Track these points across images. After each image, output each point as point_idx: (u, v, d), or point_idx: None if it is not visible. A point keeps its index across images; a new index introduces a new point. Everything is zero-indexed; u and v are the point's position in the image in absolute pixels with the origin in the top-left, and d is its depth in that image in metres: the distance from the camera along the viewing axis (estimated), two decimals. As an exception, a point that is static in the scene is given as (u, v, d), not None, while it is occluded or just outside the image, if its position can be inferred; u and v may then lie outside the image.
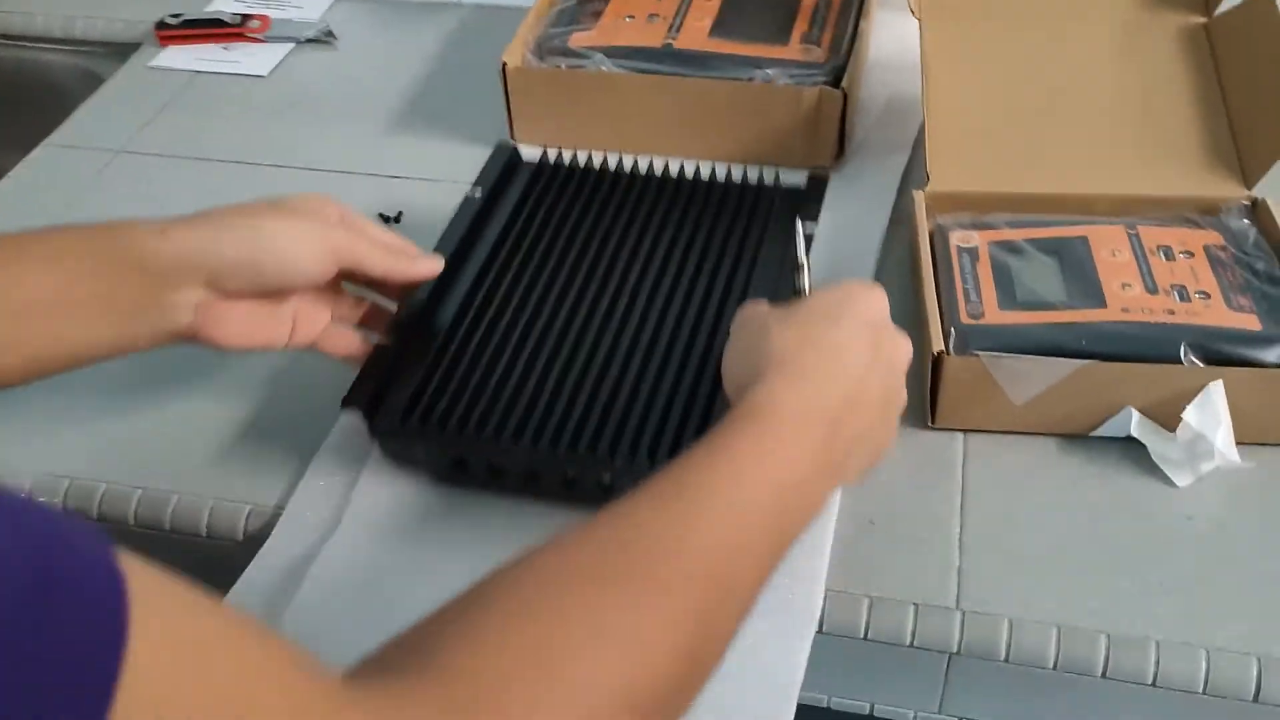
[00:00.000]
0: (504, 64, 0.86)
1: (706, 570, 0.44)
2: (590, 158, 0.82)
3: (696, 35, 0.89)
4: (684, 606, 0.43)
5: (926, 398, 0.66)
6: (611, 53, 0.87)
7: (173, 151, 0.95)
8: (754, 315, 0.57)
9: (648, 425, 0.62)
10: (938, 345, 0.64)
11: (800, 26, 0.89)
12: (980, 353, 0.64)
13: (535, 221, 0.77)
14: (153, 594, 0.31)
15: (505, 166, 0.81)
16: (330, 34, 1.06)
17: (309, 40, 1.06)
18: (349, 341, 0.66)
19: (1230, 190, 0.75)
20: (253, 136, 0.96)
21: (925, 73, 0.76)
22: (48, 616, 0.28)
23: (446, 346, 0.68)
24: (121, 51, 1.09)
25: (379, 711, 0.36)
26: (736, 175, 0.79)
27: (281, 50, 1.05)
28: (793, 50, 0.87)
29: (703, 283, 0.71)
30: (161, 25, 1.07)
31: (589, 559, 0.44)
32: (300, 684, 0.35)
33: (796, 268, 0.64)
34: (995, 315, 0.67)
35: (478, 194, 0.78)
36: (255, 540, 0.64)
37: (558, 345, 0.67)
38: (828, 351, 0.53)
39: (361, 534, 0.63)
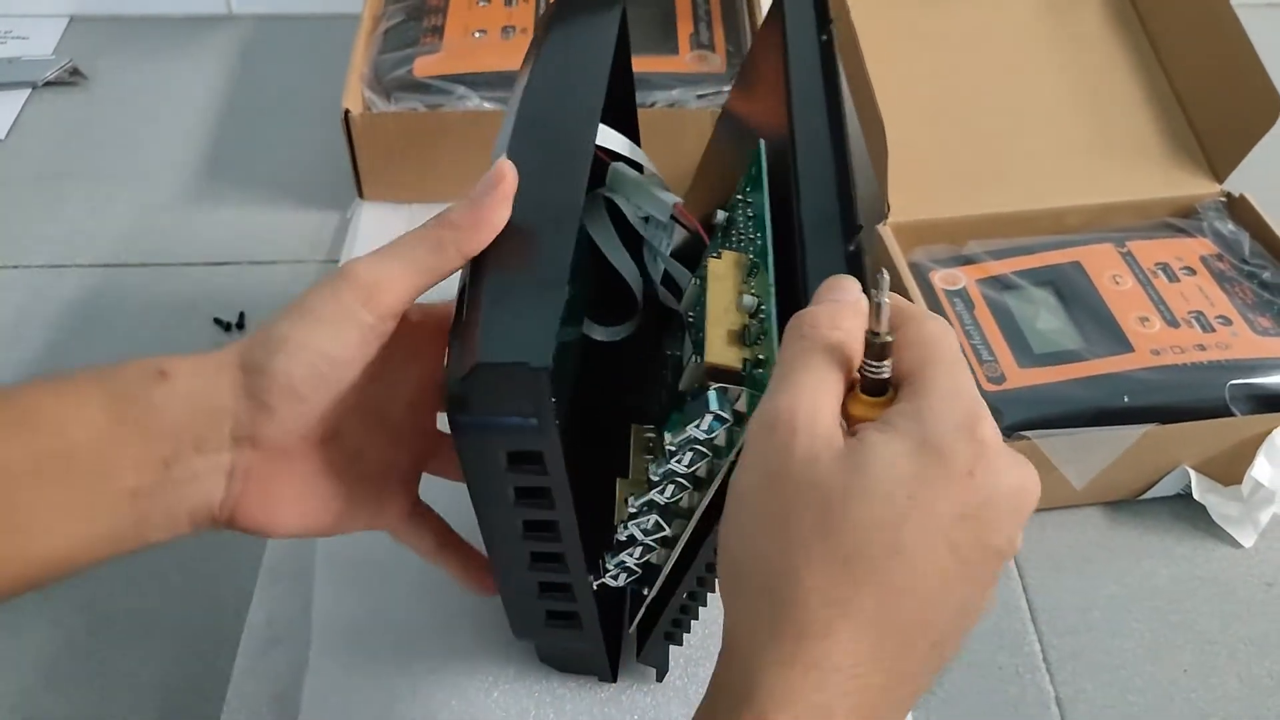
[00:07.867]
0: (346, 111, 0.68)
1: None
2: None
3: (569, 50, 0.74)
4: None
5: (965, 488, 0.57)
6: (473, 82, 0.71)
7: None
8: (798, 450, 0.29)
9: None
10: (981, 431, 0.54)
11: (685, 28, 0.76)
12: (1031, 435, 0.54)
13: None
14: None
15: None
16: (77, 72, 0.84)
17: (49, 83, 0.83)
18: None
19: (1202, 186, 0.68)
20: None
21: (871, 85, 0.65)
22: None
23: None
24: None
25: None
26: None
27: (15, 100, 0.82)
28: (685, 60, 0.74)
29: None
30: None
31: None
32: None
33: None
34: (1017, 376, 0.58)
35: None
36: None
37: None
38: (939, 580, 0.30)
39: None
